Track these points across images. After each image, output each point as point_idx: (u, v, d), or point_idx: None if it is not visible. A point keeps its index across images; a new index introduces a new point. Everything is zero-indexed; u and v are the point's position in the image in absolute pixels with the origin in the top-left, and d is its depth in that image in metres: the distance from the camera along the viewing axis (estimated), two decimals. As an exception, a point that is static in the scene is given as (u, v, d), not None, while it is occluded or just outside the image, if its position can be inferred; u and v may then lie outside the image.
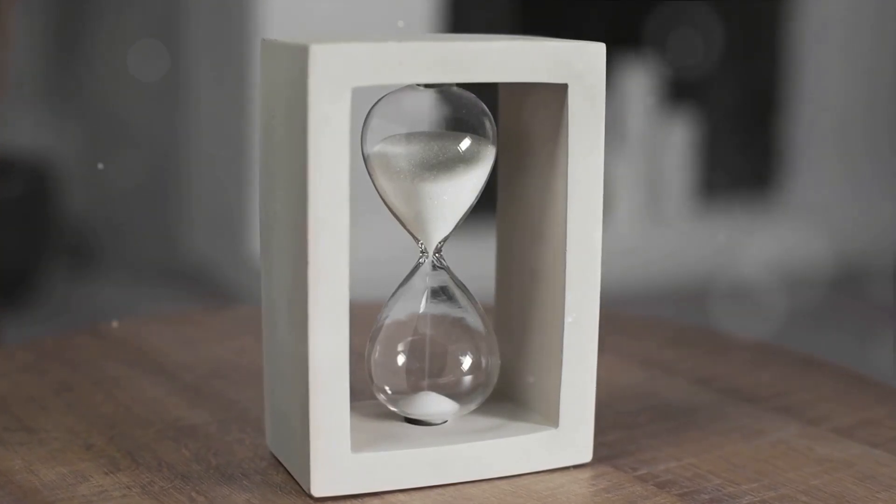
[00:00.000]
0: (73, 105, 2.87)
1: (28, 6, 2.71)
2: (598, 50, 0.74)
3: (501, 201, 0.81)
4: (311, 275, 0.69)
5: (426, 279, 0.77)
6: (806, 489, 0.74)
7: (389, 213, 0.77)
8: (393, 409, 0.77)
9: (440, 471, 0.74)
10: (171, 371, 0.94)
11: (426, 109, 0.75)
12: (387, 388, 0.77)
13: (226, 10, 2.60)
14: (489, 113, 0.75)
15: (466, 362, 0.76)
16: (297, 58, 0.69)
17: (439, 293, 0.77)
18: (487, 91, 0.77)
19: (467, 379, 0.76)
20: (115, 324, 0.96)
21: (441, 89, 0.74)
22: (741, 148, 3.22)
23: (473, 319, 0.77)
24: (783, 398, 0.90)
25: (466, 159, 0.74)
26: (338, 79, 0.68)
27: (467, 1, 2.84)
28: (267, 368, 0.78)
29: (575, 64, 0.73)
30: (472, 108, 0.75)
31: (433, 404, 0.76)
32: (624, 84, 2.97)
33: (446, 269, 0.78)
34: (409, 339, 0.76)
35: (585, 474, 0.76)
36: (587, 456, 0.77)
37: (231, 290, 2.56)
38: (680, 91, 3.09)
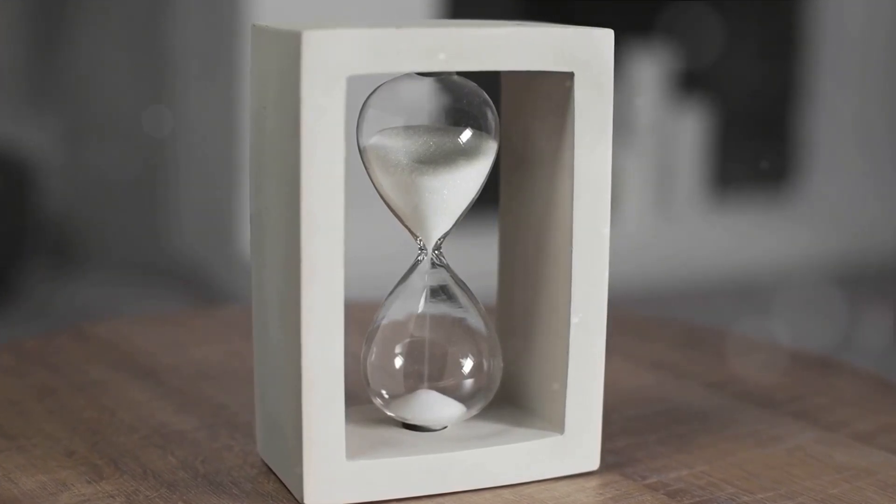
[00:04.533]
0: (54, 97, 2.86)
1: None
2: (605, 36, 0.73)
3: (504, 196, 0.81)
4: (304, 273, 0.68)
5: (425, 278, 0.76)
6: (824, 498, 0.74)
7: (386, 208, 0.76)
8: (390, 414, 0.77)
9: (440, 479, 0.73)
10: (157, 374, 0.94)
11: (425, 99, 0.74)
12: (384, 391, 0.76)
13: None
14: (491, 103, 0.75)
15: (467, 365, 0.75)
16: (289, 45, 0.68)
17: (439, 292, 0.76)
18: (489, 80, 0.76)
19: (468, 382, 0.76)
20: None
21: (441, 78, 0.74)
22: (756, 140, 3.21)
23: (474, 320, 0.76)
24: (799, 402, 0.90)
25: (467, 152, 0.73)
26: (332, 67, 0.67)
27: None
28: (258, 371, 0.77)
29: (581, 51, 0.72)
30: (473, 98, 0.74)
31: (432, 409, 0.76)
32: (633, 72, 2.95)
33: (446, 266, 0.77)
34: (407, 340, 0.76)
35: (592, 483, 0.75)
36: (594, 463, 0.77)
37: (220, 290, 2.56)
38: (692, 80, 3.08)
